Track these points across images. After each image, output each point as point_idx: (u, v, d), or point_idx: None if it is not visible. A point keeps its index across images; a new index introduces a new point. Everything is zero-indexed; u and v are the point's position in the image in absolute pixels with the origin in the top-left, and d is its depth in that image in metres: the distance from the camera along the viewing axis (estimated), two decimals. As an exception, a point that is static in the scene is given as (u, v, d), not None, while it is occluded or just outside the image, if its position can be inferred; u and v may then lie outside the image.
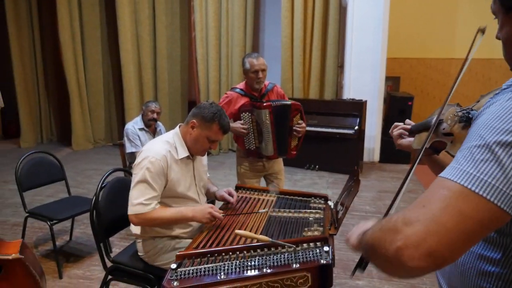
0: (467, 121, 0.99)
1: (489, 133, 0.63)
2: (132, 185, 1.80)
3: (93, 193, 2.03)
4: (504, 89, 0.73)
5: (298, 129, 2.72)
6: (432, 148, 1.14)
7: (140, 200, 1.75)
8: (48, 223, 2.68)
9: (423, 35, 6.58)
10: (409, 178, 1.00)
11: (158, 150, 1.83)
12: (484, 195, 0.60)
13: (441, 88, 6.76)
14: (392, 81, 6.77)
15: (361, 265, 0.99)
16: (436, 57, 6.73)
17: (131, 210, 1.77)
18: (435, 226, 0.60)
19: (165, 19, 6.40)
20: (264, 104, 2.64)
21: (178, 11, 6.58)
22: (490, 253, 0.76)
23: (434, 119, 1.10)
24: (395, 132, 1.34)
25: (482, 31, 0.95)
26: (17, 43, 6.56)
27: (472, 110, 0.99)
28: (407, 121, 1.37)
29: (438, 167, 1.16)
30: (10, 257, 1.82)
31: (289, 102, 2.71)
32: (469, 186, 0.61)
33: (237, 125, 2.68)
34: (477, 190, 0.60)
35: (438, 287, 0.97)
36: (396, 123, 1.37)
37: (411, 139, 1.30)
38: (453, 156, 0.97)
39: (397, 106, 5.92)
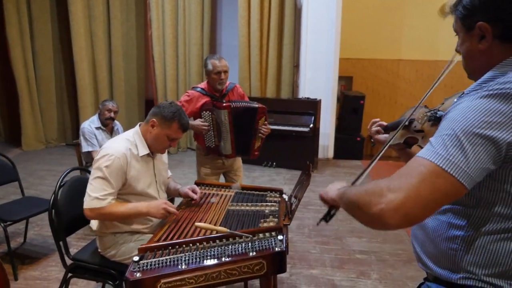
0: (435, 120, 1.19)
1: (457, 125, 0.82)
2: (90, 179, 1.83)
3: (47, 194, 2.04)
4: (467, 93, 0.92)
5: (264, 130, 2.83)
6: (405, 142, 1.36)
7: (96, 194, 1.79)
8: (2, 224, 2.61)
9: (373, 37, 6.91)
10: (376, 159, 1.20)
11: (118, 148, 1.87)
12: (451, 172, 0.79)
13: (390, 88, 7.13)
14: (345, 81, 7.07)
15: (326, 218, 1.21)
16: (385, 58, 7.10)
17: (87, 204, 1.80)
18: (413, 194, 0.78)
19: (120, 15, 6.28)
20: (224, 104, 2.72)
21: (134, 8, 6.48)
22: (457, 221, 0.96)
23: (405, 118, 1.31)
24: (374, 128, 1.57)
25: (459, 52, 1.10)
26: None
27: (439, 110, 1.19)
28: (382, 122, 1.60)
29: (409, 158, 1.41)
30: None
31: (256, 105, 2.79)
32: (440, 165, 0.80)
33: (197, 122, 2.75)
34: (446, 168, 0.79)
35: (413, 253, 1.15)
36: (373, 120, 1.60)
37: (387, 135, 1.52)
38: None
39: (350, 104, 6.21)
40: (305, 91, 5.78)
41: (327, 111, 5.81)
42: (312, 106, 5.32)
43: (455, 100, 0.93)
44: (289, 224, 1.83)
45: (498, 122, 0.79)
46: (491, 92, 0.83)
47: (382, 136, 1.53)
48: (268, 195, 2.20)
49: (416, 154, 0.86)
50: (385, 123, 1.56)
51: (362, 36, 6.83)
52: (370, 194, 0.84)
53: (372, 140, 1.61)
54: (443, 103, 1.23)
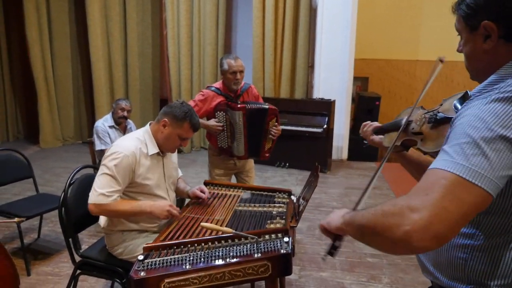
0: (435, 122, 1.13)
1: (474, 131, 0.77)
2: (97, 175, 1.85)
3: (62, 191, 2.06)
4: (476, 96, 0.87)
5: (274, 132, 2.80)
6: (402, 145, 1.30)
7: (103, 191, 1.80)
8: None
9: (390, 37, 6.82)
10: (378, 172, 1.12)
11: (128, 146, 1.88)
12: (476, 182, 0.73)
13: (406, 89, 7.03)
14: (361, 81, 6.99)
15: (331, 251, 1.08)
16: (402, 58, 7.00)
17: (93, 199, 1.82)
18: (439, 211, 0.71)
19: (136, 16, 6.36)
20: (239, 105, 2.70)
21: (150, 8, 6.55)
22: (466, 229, 0.91)
23: (404, 120, 1.25)
24: (368, 129, 1.50)
25: (441, 61, 1.10)
26: (-19, 38, 6.35)
27: (438, 112, 1.13)
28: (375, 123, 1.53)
29: (406, 161, 1.36)
30: None
31: (266, 106, 2.77)
32: (464, 176, 0.73)
33: (212, 122, 2.75)
34: (470, 179, 0.73)
35: (420, 267, 1.08)
36: (364, 123, 1.53)
37: (382, 136, 1.46)
38: (424, 152, 1.18)
39: (365, 105, 6.13)
40: (320, 92, 5.73)
41: (341, 112, 5.75)
42: (326, 107, 5.27)
43: (458, 105, 0.89)
44: (296, 226, 1.81)
45: None
46: (505, 94, 0.78)
47: (377, 137, 1.48)
48: (276, 196, 2.18)
49: (432, 166, 0.79)
50: (379, 124, 1.49)
51: (378, 36, 6.75)
52: (389, 216, 0.76)
53: (365, 142, 1.55)
54: (441, 104, 1.17)
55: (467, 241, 0.91)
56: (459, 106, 1.02)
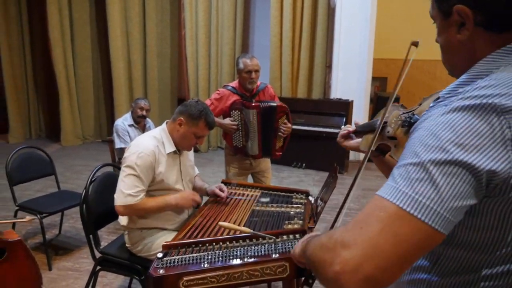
0: (409, 126, 0.97)
1: (424, 150, 0.62)
2: (121, 177, 1.88)
3: (82, 188, 2.10)
4: (440, 101, 0.72)
5: (283, 129, 2.80)
6: (378, 150, 1.14)
7: (130, 191, 1.83)
8: (38, 216, 2.73)
9: (409, 36, 6.67)
10: (356, 181, 1.05)
11: (147, 145, 1.91)
12: (419, 216, 0.59)
13: (426, 89, 6.91)
14: (379, 82, 6.91)
15: (308, 282, 1.02)
16: (422, 58, 6.87)
17: (121, 201, 1.84)
18: (372, 250, 0.59)
19: (155, 16, 6.44)
20: (253, 104, 2.72)
21: (168, 9, 6.62)
22: (422, 261, 0.77)
23: (379, 121, 1.08)
24: (341, 132, 1.36)
25: (415, 45, 1.00)
26: (6, 39, 6.53)
27: (414, 114, 0.99)
28: (356, 121, 1.40)
29: (386, 167, 1.20)
30: (13, 240, 1.92)
31: (275, 104, 2.76)
32: (404, 207, 0.60)
33: (227, 121, 2.76)
34: (412, 211, 0.59)
35: None
36: (345, 129, 1.39)
37: (359, 140, 1.32)
38: (396, 161, 1.00)
39: (383, 106, 5.99)
40: (337, 92, 5.69)
41: (359, 112, 5.69)
42: (344, 107, 5.23)
43: (426, 111, 0.73)
44: (314, 227, 1.80)
45: (475, 145, 0.59)
46: (466, 102, 0.62)
47: (354, 142, 1.32)
48: (294, 196, 2.17)
49: (376, 192, 0.66)
50: (353, 128, 1.34)
51: (397, 36, 6.64)
52: (324, 250, 0.65)
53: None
54: (420, 104, 1.01)
55: (423, 275, 0.76)
56: None
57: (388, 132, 1.08)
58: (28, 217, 1.95)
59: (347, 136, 1.40)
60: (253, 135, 2.75)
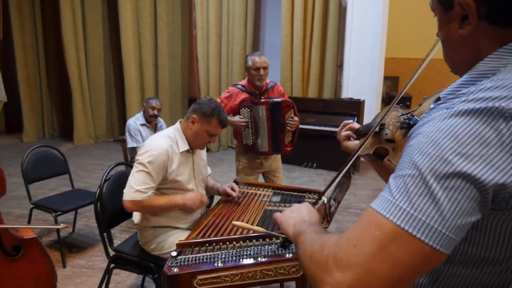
0: (408, 128, 0.93)
1: (423, 160, 0.56)
2: (132, 172, 1.89)
3: (95, 187, 2.12)
4: (441, 103, 0.65)
5: (290, 123, 2.79)
6: (375, 154, 1.08)
7: (139, 187, 1.84)
8: (53, 214, 2.77)
9: (422, 35, 6.62)
10: (340, 175, 1.01)
11: (160, 144, 1.92)
12: (418, 236, 0.54)
13: (439, 89, 6.78)
14: (391, 81, 6.84)
15: (284, 245, 1.05)
16: (435, 57, 6.78)
17: (129, 196, 1.85)
18: (366, 276, 0.55)
19: (166, 17, 6.48)
20: (262, 100, 2.73)
21: (179, 9, 6.66)
22: (421, 279, 0.71)
23: (375, 123, 1.03)
24: (343, 133, 1.25)
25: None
26: (20, 39, 6.63)
27: (413, 116, 0.94)
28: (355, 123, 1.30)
29: (385, 172, 1.13)
30: (29, 237, 1.95)
31: (279, 99, 2.78)
32: (402, 225, 0.55)
33: (236, 119, 2.77)
34: (410, 230, 0.54)
35: None
36: (345, 122, 1.28)
37: (357, 142, 1.25)
38: (395, 165, 0.96)
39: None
40: (348, 92, 5.65)
41: (371, 112, 5.64)
42: (355, 107, 5.19)
43: (425, 114, 0.67)
44: (327, 227, 1.79)
45: (480, 155, 0.53)
46: (470, 106, 0.56)
47: (352, 143, 1.23)
48: (306, 196, 2.17)
49: (371, 205, 0.60)
50: (357, 126, 1.25)
51: (409, 35, 6.59)
52: (316, 263, 0.61)
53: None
54: (420, 104, 0.95)
55: None
56: None
57: (386, 134, 1.02)
58: (63, 225, 1.96)
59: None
60: (262, 131, 2.76)
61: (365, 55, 5.57)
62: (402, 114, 0.99)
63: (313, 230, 0.74)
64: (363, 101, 5.33)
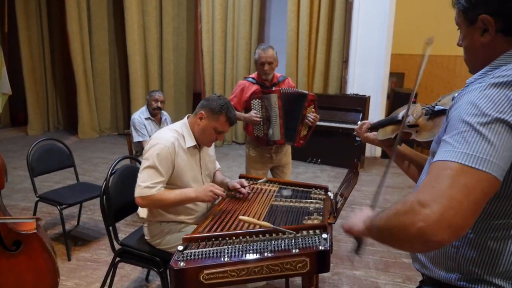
0: (432, 113, 1.17)
1: (472, 119, 0.76)
2: (140, 169, 1.89)
3: (100, 180, 2.12)
4: (472, 82, 0.89)
5: (311, 118, 2.78)
6: (396, 138, 1.29)
7: (147, 183, 1.84)
8: (58, 207, 2.78)
9: (428, 32, 6.55)
10: (389, 168, 1.16)
11: (167, 137, 1.91)
12: (482, 168, 0.72)
13: (445, 86, 6.77)
14: (396, 77, 6.80)
15: (357, 251, 1.10)
16: (441, 54, 6.73)
17: (138, 192, 1.85)
18: (449, 202, 0.70)
19: (171, 10, 6.45)
20: (274, 89, 2.73)
21: (185, 3, 6.63)
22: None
23: (400, 114, 1.32)
24: (364, 127, 1.56)
25: (429, 44, 1.17)
26: (26, 33, 6.63)
27: (436, 105, 1.15)
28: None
29: (399, 157, 1.39)
30: (29, 232, 1.94)
31: (306, 92, 2.79)
32: (467, 163, 0.73)
33: (250, 114, 2.76)
34: (474, 165, 0.73)
35: (416, 270, 1.09)
36: (363, 121, 1.59)
37: (376, 133, 1.51)
38: (418, 142, 1.20)
39: (400, 102, 5.92)
40: (354, 87, 5.63)
41: (376, 108, 5.62)
42: (361, 103, 5.17)
43: (456, 94, 0.88)
44: (334, 223, 1.78)
45: (510, 109, 0.75)
46: (500, 79, 0.79)
47: (371, 134, 1.52)
48: (313, 192, 2.15)
49: (435, 159, 0.79)
50: (371, 122, 1.55)
51: (416, 31, 6.52)
52: (402, 214, 0.76)
53: (357, 139, 1.62)
54: (439, 100, 1.18)
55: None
56: None
57: (408, 122, 1.25)
58: (35, 217, 1.93)
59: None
60: (274, 120, 2.75)
61: (371, 51, 5.54)
62: (425, 107, 1.23)
63: (381, 211, 0.89)
64: (369, 97, 5.30)
